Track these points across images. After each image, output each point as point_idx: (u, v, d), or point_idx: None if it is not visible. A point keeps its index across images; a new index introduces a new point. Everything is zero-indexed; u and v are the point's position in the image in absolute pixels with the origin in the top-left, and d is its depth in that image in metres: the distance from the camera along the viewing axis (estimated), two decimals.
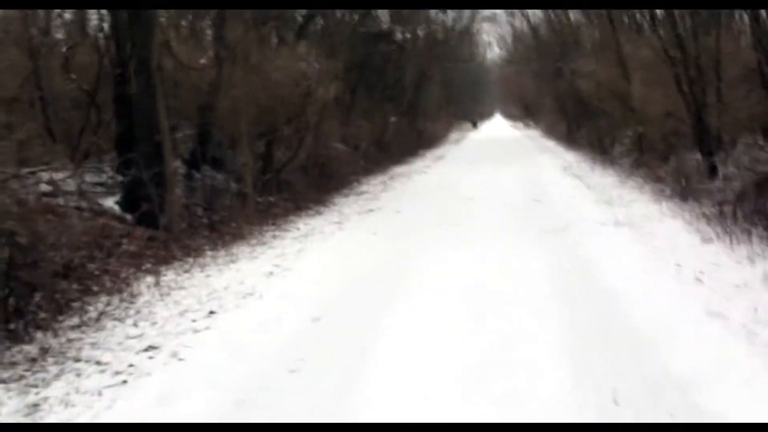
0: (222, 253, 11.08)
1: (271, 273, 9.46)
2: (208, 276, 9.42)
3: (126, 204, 11.92)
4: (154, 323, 7.25)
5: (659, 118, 19.60)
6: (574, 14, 36.21)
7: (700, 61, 16.81)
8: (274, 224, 13.88)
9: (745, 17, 18.42)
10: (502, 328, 6.87)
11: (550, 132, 47.40)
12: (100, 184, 12.76)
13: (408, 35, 35.42)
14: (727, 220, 11.72)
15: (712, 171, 15.73)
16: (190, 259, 10.55)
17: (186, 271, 9.77)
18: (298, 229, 13.34)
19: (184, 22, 17.62)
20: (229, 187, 15.66)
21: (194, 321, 7.30)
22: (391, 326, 7.04)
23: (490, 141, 47.18)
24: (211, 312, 7.62)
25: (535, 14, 43.25)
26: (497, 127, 77.69)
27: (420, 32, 38.41)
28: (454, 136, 55.28)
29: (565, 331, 6.77)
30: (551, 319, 7.10)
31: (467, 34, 50.45)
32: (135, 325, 7.20)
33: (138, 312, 7.68)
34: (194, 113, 15.47)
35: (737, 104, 16.03)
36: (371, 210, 15.40)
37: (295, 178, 18.46)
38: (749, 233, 10.66)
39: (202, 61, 16.00)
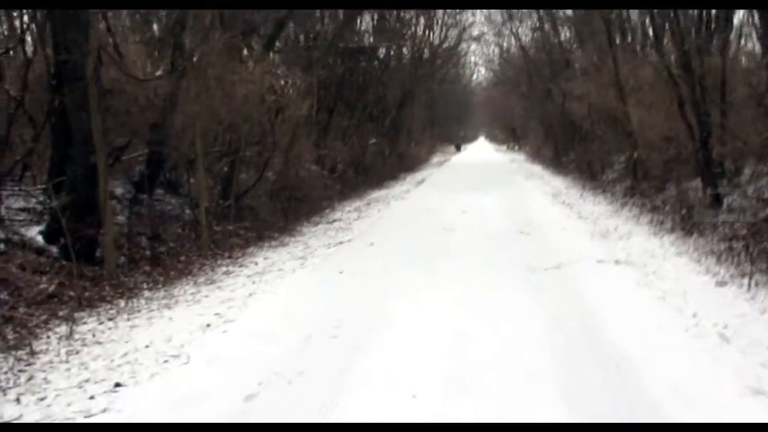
0: (161, 294, 9.55)
1: (208, 325, 7.81)
2: (133, 327, 7.85)
3: (51, 234, 10.38)
4: (42, 399, 5.66)
5: (657, 142, 18.22)
6: (565, 34, 35.19)
7: (705, 81, 15.43)
8: (229, 257, 12.38)
9: (754, 35, 17.28)
10: (488, 413, 5.35)
11: (536, 156, 46.27)
12: (26, 210, 11.20)
13: (392, 52, 34.16)
14: (740, 258, 10.33)
15: (716, 201, 14.31)
16: (122, 302, 9.04)
17: (111, 319, 8.24)
18: (256, 264, 11.80)
19: (128, 24, 16.06)
20: (182, 214, 14.19)
21: (92, 398, 5.70)
22: (348, 411, 5.45)
23: (473, 165, 45.78)
24: (117, 384, 6.00)
25: (525, 34, 42.12)
26: (481, 151, 76.53)
27: (405, 50, 37.23)
28: (436, 159, 54.02)
29: (570, 417, 5.24)
30: (548, 399, 5.55)
31: (454, 54, 49.26)
32: (17, 400, 5.60)
33: (30, 379, 6.11)
34: (147, 131, 14.00)
35: (744, 129, 14.63)
36: (341, 242, 13.79)
37: (260, 204, 16.98)
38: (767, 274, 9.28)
39: (158, 72, 14.57)
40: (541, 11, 34.69)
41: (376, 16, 31.32)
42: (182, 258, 11.98)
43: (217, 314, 8.27)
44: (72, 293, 9.08)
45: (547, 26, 36.51)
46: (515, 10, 38.90)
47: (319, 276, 10.61)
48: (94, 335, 7.51)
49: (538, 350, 6.67)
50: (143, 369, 6.37)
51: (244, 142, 15.10)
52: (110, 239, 10.32)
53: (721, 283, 9.33)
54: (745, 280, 9.15)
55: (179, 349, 6.92)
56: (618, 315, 7.82)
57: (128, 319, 8.18)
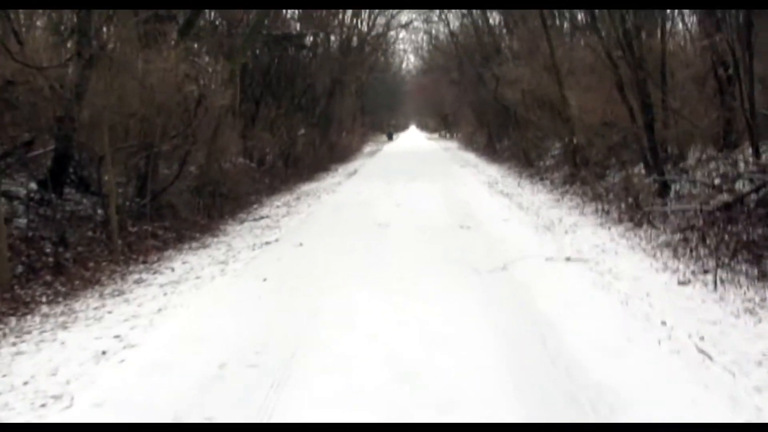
0: (60, 309, 8.39)
1: (104, 353, 6.58)
2: (17, 354, 6.66)
3: None
4: None
5: (596, 127, 17.42)
6: (493, 18, 34.38)
7: (645, 64, 14.64)
8: (144, 263, 11.23)
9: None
10: None
11: (469, 144, 45.79)
12: None
13: (320, 40, 33.06)
14: (698, 252, 9.52)
15: (664, 189, 13.50)
16: (12, 320, 7.87)
17: None
18: (173, 270, 10.66)
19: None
20: (94, 215, 12.98)
21: None
22: None
23: (406, 153, 44.85)
24: None
25: (455, 20, 41.24)
26: (413, 139, 75.73)
27: (333, 37, 36.22)
28: (368, 148, 53.09)
29: None
30: None
31: (383, 42, 48.24)
32: None
33: None
34: (54, 125, 12.79)
35: (690, 112, 13.91)
36: (267, 243, 12.64)
37: (182, 201, 15.76)
38: (731, 269, 8.46)
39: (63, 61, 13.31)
40: None
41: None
42: (91, 265, 10.78)
43: (116, 337, 7.07)
44: None
45: (475, 12, 35.69)
46: None
47: (240, 285, 9.43)
48: None
49: (494, 384, 5.55)
50: (13, 417, 5.14)
51: (160, 135, 13.85)
52: (2, 246, 9.08)
53: (684, 282, 8.48)
54: (709, 277, 8.32)
55: (63, 387, 5.69)
56: (581, 327, 6.80)
57: (14, 344, 7.00)
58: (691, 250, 9.75)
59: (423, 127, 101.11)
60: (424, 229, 13.21)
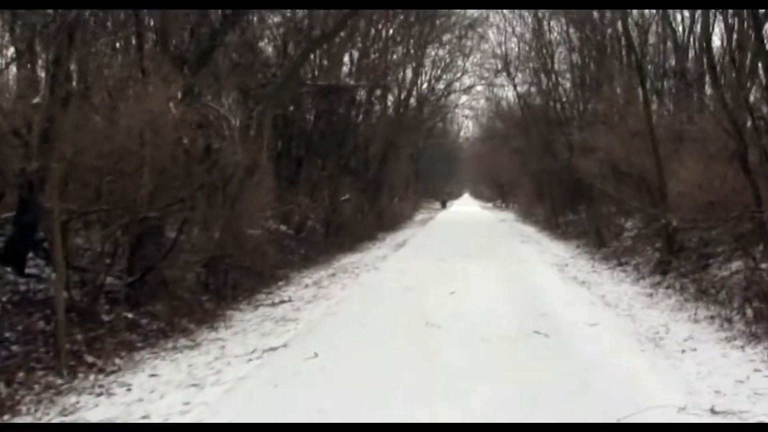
0: None
1: None
2: None
3: None
4: None
5: (703, 207, 14.01)
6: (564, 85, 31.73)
7: None
8: (100, 371, 8.15)
9: None
10: None
11: (526, 216, 43.04)
12: None
13: (375, 97, 30.35)
14: None
15: None
16: None
17: None
18: (128, 389, 7.50)
19: None
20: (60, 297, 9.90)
21: None
22: None
23: (461, 224, 41.76)
24: None
25: (523, 82, 38.45)
26: (467, 207, 73.24)
27: (390, 97, 33.72)
28: (420, 216, 50.40)
29: None
30: None
31: (443, 106, 45.78)
32: None
33: None
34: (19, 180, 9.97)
35: None
36: (273, 348, 9.15)
37: (188, 279, 12.58)
38: None
39: (36, 100, 10.41)
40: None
41: (357, 55, 27.61)
42: (20, 375, 7.62)
43: None
44: None
45: (543, 75, 33.18)
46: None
47: None
48: None
49: None
50: None
51: (149, 196, 10.63)
52: None
53: None
54: None
55: None
56: None
57: None
58: None
59: (477, 195, 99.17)
60: (488, 335, 9.78)
